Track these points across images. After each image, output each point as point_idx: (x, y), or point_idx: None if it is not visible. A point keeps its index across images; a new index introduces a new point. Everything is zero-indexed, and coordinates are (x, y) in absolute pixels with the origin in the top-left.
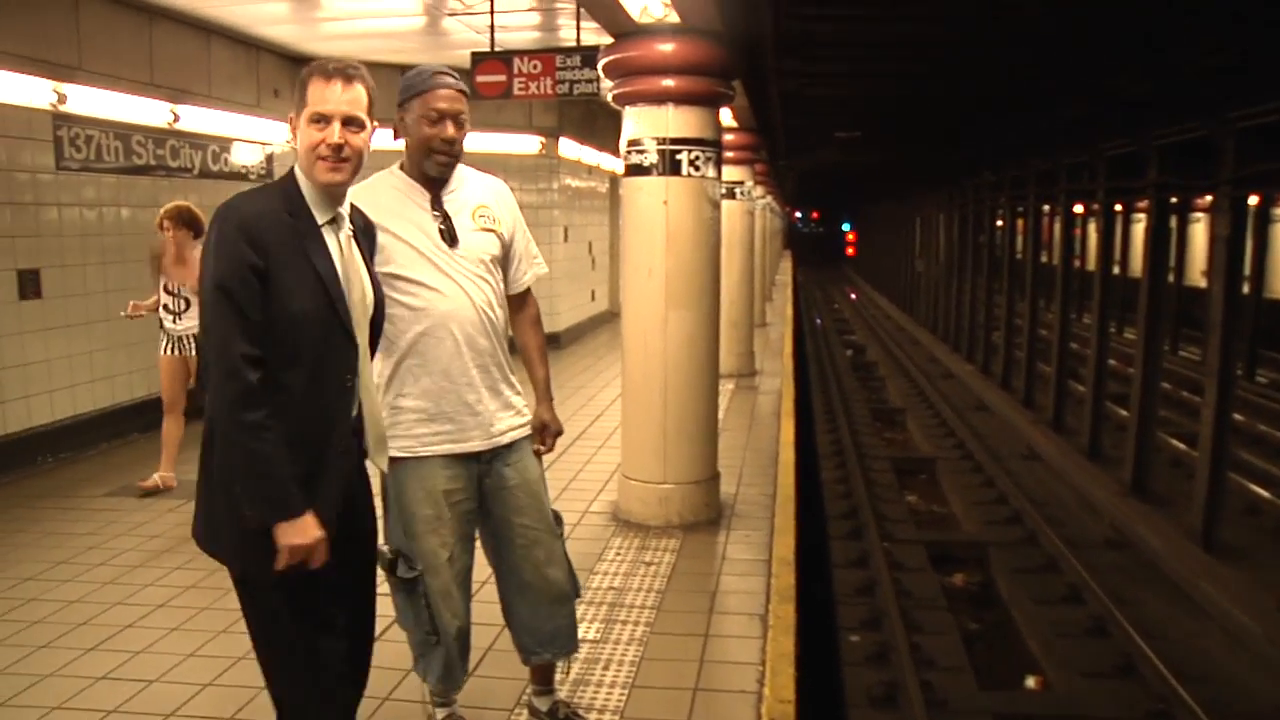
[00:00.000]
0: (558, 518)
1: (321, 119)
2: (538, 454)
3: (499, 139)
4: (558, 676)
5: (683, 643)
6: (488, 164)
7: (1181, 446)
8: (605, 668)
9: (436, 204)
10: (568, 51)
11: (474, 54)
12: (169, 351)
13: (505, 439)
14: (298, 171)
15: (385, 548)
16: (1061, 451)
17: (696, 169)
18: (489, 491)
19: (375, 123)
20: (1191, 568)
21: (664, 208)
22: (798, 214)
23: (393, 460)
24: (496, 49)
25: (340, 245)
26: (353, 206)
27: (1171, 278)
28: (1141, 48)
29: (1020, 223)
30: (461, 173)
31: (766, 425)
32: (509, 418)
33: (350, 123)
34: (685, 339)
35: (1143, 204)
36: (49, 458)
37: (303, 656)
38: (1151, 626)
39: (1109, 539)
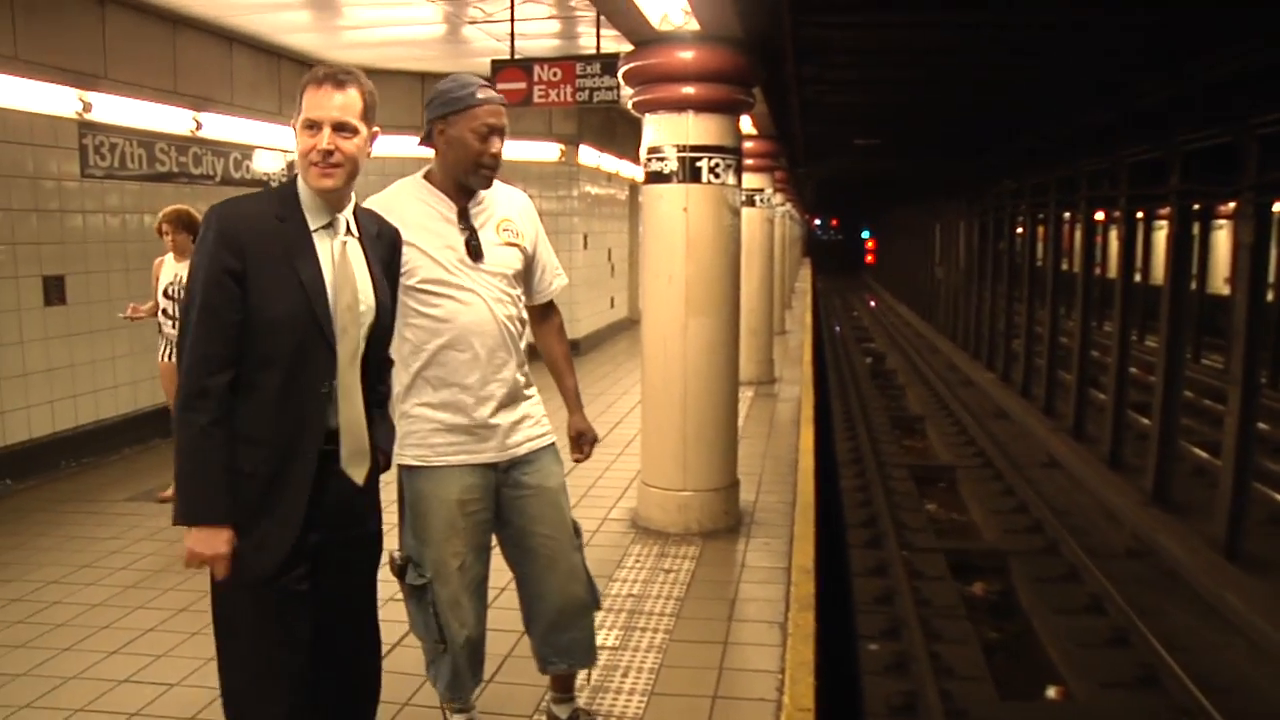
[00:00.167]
0: (576, 528)
1: (313, 125)
2: (577, 461)
3: (519, 146)
4: (578, 683)
5: (702, 650)
6: (507, 171)
7: (1204, 455)
8: (624, 675)
9: (464, 217)
10: (588, 59)
11: (494, 62)
12: (168, 358)
13: (522, 450)
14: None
15: (397, 553)
16: (1082, 460)
17: (717, 176)
18: (507, 501)
19: (376, 128)
20: (1215, 578)
21: (684, 215)
22: (817, 221)
23: (409, 468)
24: (516, 57)
25: (333, 251)
26: (372, 213)
27: (1194, 285)
28: (1163, 54)
29: (1041, 230)
30: None
31: (786, 433)
32: (527, 428)
33: (341, 128)
34: (705, 346)
35: (1164, 211)
36: (72, 462)
37: (255, 664)
38: (1174, 637)
39: (1130, 548)
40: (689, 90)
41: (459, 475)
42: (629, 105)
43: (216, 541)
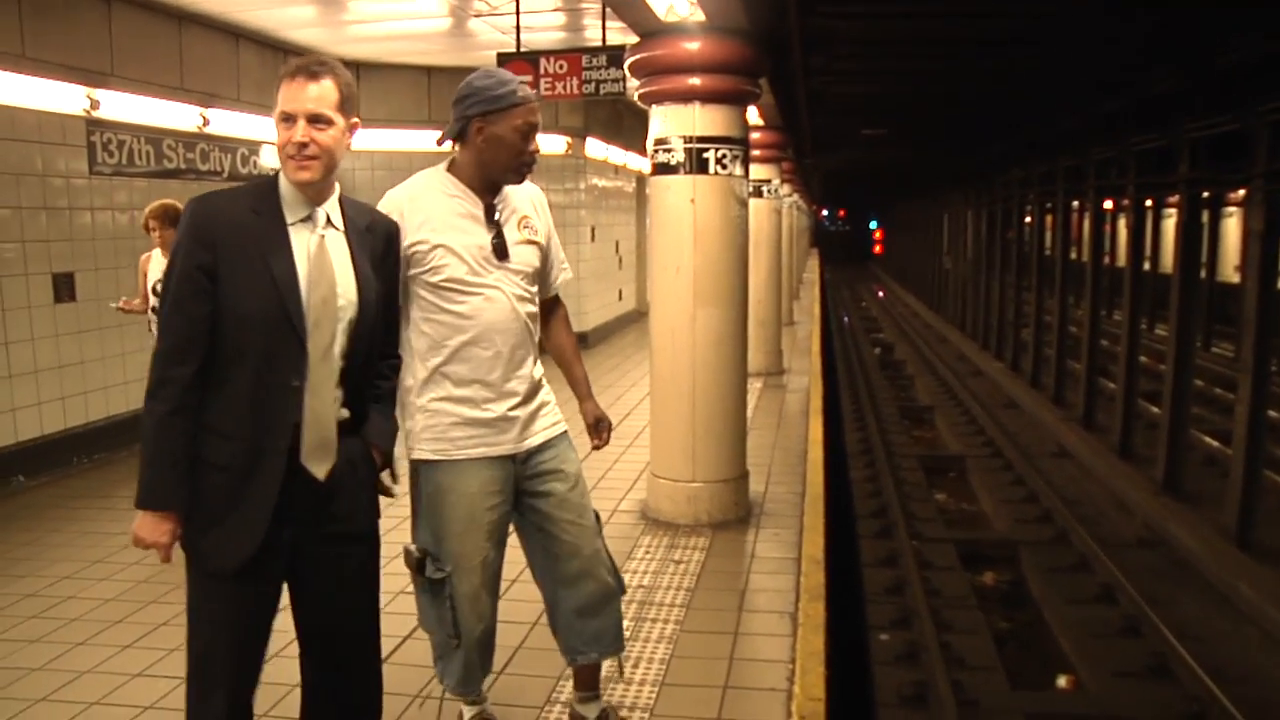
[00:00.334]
0: (595, 515)
1: (288, 118)
2: (596, 448)
3: None
4: (605, 673)
5: (713, 640)
6: None
7: (1215, 444)
8: (635, 665)
9: (490, 214)
10: (594, 51)
11: (500, 55)
12: None
13: (538, 439)
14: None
15: (413, 547)
16: (1092, 449)
17: (724, 167)
18: (527, 491)
19: (356, 119)
20: (1226, 567)
21: (691, 206)
22: (824, 212)
23: (427, 462)
24: (522, 50)
25: (310, 245)
26: (365, 206)
27: (1204, 273)
28: (1172, 42)
29: (1049, 219)
30: None
31: (795, 424)
32: (542, 417)
33: (316, 120)
34: (713, 337)
35: (1174, 199)
36: (84, 459)
37: (203, 650)
38: (1185, 626)
39: (1141, 538)
40: (695, 81)
41: (479, 468)
42: (635, 97)
43: (159, 529)
